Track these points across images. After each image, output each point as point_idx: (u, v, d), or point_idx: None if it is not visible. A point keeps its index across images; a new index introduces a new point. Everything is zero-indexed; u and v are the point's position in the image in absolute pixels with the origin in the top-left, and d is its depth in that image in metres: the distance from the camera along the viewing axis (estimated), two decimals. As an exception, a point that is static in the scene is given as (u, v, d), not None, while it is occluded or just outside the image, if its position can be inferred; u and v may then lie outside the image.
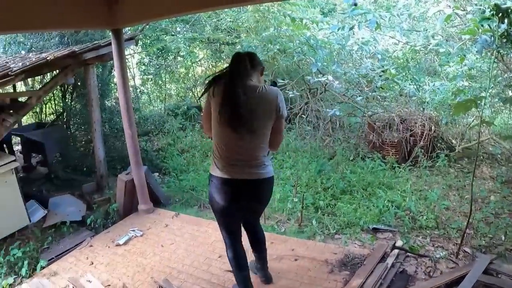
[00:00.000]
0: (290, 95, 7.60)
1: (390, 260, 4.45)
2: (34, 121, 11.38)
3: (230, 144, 3.25)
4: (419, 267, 4.41)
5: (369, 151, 7.82)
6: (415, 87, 8.45)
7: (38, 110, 11.40)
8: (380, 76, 8.02)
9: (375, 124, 7.91)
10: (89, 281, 4.68)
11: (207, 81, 3.37)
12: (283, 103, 3.28)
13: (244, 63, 3.25)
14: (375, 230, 5.42)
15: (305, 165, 7.33)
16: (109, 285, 4.63)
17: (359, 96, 8.06)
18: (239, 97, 3.09)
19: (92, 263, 5.19)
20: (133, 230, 5.85)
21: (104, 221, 6.46)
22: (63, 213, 6.68)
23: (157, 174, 8.34)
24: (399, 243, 4.92)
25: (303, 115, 8.76)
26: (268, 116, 3.22)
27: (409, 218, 5.59)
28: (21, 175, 8.49)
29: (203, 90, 3.43)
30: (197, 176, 7.77)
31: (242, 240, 3.80)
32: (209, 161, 8.41)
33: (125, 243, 5.58)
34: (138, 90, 13.07)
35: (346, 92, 8.40)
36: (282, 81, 8.19)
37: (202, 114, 3.54)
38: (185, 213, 6.38)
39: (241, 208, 3.55)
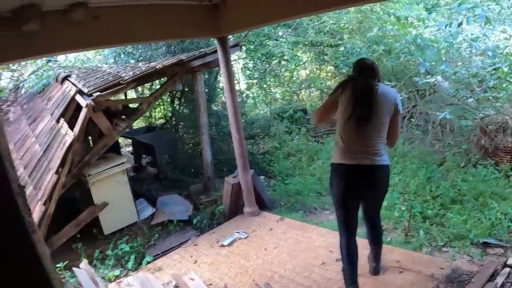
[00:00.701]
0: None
1: (500, 279, 4.15)
2: (144, 125, 12.04)
3: (354, 136, 3.67)
4: (531, 289, 4.12)
5: (481, 157, 7.37)
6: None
7: (148, 114, 12.01)
8: (492, 75, 7.49)
9: (487, 127, 7.43)
10: (191, 279, 4.87)
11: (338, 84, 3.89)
12: (400, 101, 3.79)
13: (372, 67, 3.76)
14: (486, 244, 5.09)
15: (413, 172, 7.05)
16: (210, 284, 4.81)
17: (470, 97, 7.63)
18: (368, 96, 3.57)
19: (196, 262, 5.42)
20: (238, 232, 6.00)
21: (210, 222, 6.72)
22: (171, 212, 7.04)
23: (263, 177, 8.45)
24: (510, 260, 4.62)
25: (411, 119, 8.48)
26: (388, 112, 3.67)
27: (523, 233, 5.19)
28: (131, 175, 9.05)
29: (332, 91, 3.87)
30: (302, 180, 7.80)
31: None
32: (315, 166, 8.45)
33: (229, 244, 5.75)
34: (244, 95, 13.31)
35: (456, 93, 8.00)
36: (389, 83, 7.84)
37: (317, 110, 4.09)
38: (290, 218, 6.39)
39: (358, 195, 3.91)
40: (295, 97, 13.82)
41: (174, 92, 10.22)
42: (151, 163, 10.31)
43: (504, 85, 7.65)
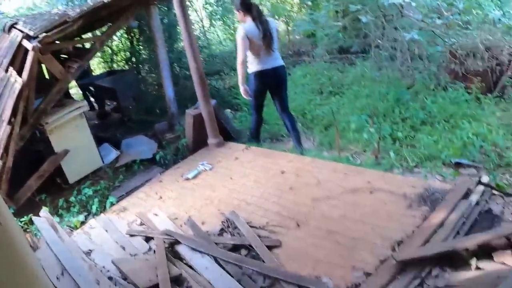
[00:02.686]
0: (363, 21, 7.06)
1: (474, 197, 3.99)
2: (105, 70, 11.51)
3: (266, 53, 5.51)
4: (507, 207, 3.90)
5: (451, 81, 7.20)
6: (501, 12, 7.64)
7: (109, 59, 11.49)
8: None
9: (457, 52, 7.23)
10: (155, 214, 4.68)
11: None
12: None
13: (257, 6, 5.53)
14: (458, 165, 4.99)
15: (382, 95, 6.89)
16: (176, 218, 4.60)
17: (439, 19, 7.32)
18: (269, 29, 5.40)
19: (161, 198, 5.19)
20: (202, 164, 5.74)
21: (174, 157, 6.47)
22: (135, 152, 6.77)
23: (229, 110, 8.20)
24: (485, 179, 4.44)
25: (378, 45, 8.17)
26: (276, 33, 5.59)
27: (495, 153, 5.07)
28: (96, 122, 8.95)
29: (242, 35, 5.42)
30: (268, 109, 7.54)
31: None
32: None
33: (194, 177, 5.51)
34: (205, 29, 12.84)
35: (425, 18, 7.68)
36: (354, 6, 7.44)
37: (241, 58, 5.52)
38: (258, 144, 6.22)
39: (269, 86, 5.86)
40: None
41: (133, 32, 9.71)
42: (115, 108, 9.90)
43: (473, 10, 7.39)
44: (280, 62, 5.68)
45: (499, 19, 7.41)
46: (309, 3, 11.99)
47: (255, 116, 6.16)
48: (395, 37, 7.81)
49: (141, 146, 7.01)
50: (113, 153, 6.91)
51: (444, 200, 4.00)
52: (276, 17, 12.65)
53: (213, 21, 13.24)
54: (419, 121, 6.03)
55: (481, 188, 4.17)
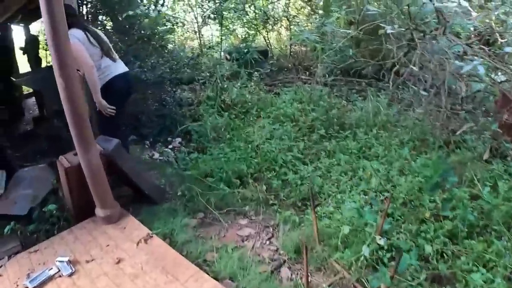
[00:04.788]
0: (387, 31, 4.47)
1: None
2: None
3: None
4: None
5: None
6: None
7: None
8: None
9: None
10: None
11: None
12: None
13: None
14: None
15: (404, 160, 4.14)
16: None
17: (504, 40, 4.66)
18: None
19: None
20: (61, 262, 3.13)
21: (55, 220, 3.76)
22: (11, 199, 4.23)
23: (179, 139, 5.77)
24: None
25: (399, 71, 5.42)
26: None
27: None
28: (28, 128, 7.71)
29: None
30: (229, 150, 5.02)
31: None
32: (260, 124, 5.96)
33: (38, 286, 2.93)
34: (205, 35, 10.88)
35: (468, 41, 4.97)
36: (374, 9, 4.87)
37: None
38: (173, 228, 3.54)
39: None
40: (260, 36, 11.05)
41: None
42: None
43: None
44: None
45: None
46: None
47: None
48: (429, 62, 5.00)
49: (28, 187, 4.40)
50: (-5, 190, 4.55)
51: None
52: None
53: (205, 19, 10.83)
54: (465, 223, 3.08)
55: None
